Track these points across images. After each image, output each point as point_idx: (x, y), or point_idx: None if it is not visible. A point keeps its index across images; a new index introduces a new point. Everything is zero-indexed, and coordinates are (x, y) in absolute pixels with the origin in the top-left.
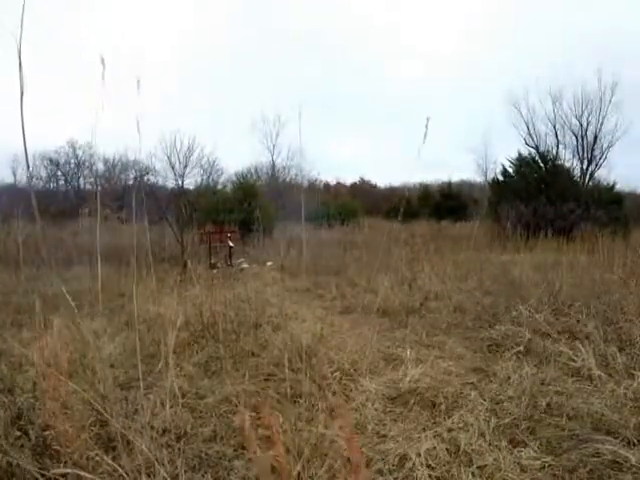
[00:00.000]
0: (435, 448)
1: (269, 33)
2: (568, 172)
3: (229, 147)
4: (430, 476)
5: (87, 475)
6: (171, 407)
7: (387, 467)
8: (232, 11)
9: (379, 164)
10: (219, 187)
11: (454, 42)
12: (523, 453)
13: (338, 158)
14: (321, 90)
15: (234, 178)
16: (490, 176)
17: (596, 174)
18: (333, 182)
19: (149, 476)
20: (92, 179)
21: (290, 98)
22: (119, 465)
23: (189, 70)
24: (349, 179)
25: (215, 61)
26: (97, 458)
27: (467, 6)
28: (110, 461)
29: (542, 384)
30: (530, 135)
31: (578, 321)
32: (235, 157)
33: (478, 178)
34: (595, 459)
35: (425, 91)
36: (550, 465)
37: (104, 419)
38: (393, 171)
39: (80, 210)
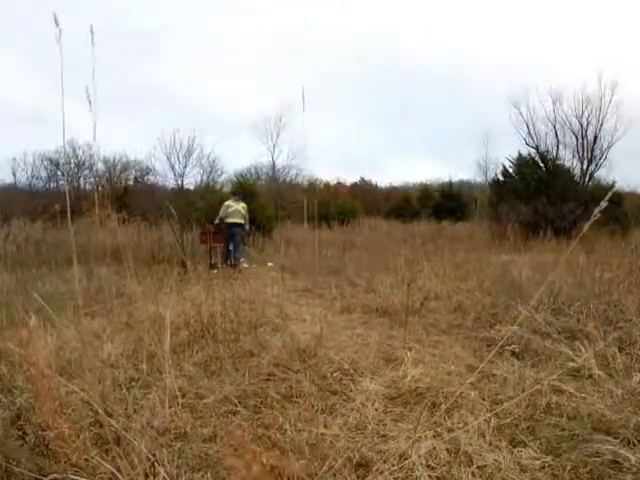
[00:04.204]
0: (435, 448)
1: (268, 31)
2: (568, 172)
3: (229, 147)
4: (430, 476)
5: None
6: (171, 407)
7: (387, 467)
8: (231, 9)
9: (379, 164)
10: (218, 187)
11: (454, 41)
12: (523, 453)
13: (338, 157)
14: (320, 88)
15: (234, 178)
16: (490, 176)
17: (596, 174)
18: (333, 182)
19: (149, 476)
20: (92, 179)
21: (289, 97)
22: (118, 466)
23: (188, 69)
24: (349, 179)
25: (215, 59)
26: (97, 459)
27: (466, 4)
28: (109, 462)
29: (542, 384)
30: (530, 135)
31: (578, 321)
32: (235, 157)
33: (478, 178)
34: (595, 459)
35: (425, 90)
36: (550, 465)
37: (104, 419)
38: (393, 171)
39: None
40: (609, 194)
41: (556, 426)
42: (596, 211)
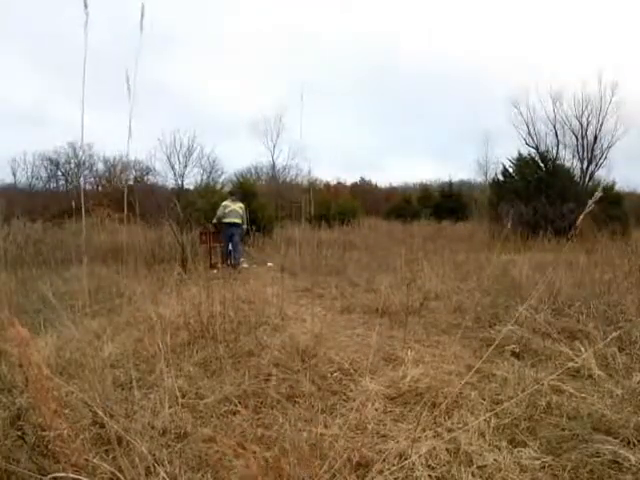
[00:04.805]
0: (435, 448)
1: (268, 31)
2: (568, 172)
3: (229, 147)
4: (430, 476)
5: None
6: (171, 407)
7: (387, 467)
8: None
9: (379, 164)
10: (218, 187)
11: (454, 41)
12: (523, 453)
13: (338, 157)
14: (320, 88)
15: (234, 178)
16: (490, 176)
17: (596, 174)
18: (333, 182)
19: (149, 476)
20: (92, 179)
21: (289, 97)
22: (119, 466)
23: (188, 69)
24: (349, 179)
25: (215, 59)
26: (96, 459)
27: (466, 4)
28: (109, 462)
29: (542, 384)
30: (530, 135)
31: (578, 321)
32: (235, 157)
33: (478, 178)
34: (595, 459)
35: (425, 90)
36: (550, 465)
37: (104, 420)
38: (393, 171)
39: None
40: (599, 190)
41: (556, 426)
42: (591, 202)
